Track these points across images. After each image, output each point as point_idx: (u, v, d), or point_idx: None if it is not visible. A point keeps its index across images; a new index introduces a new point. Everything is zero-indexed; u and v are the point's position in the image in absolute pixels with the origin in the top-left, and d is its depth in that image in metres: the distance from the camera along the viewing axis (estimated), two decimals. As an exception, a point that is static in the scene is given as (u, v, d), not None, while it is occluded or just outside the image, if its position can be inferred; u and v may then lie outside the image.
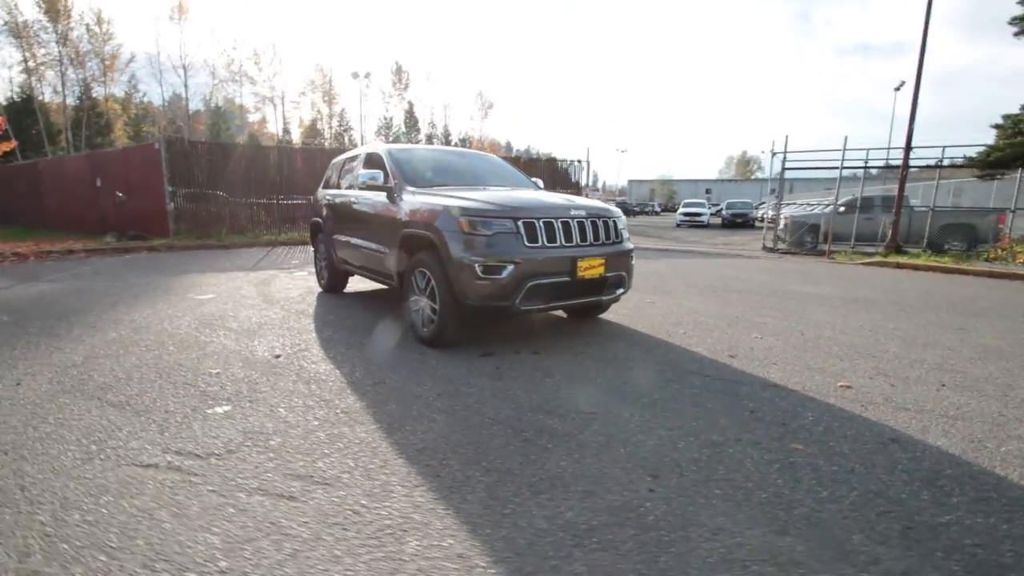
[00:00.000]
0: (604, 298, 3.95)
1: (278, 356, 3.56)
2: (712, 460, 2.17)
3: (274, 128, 55.29)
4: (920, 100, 10.79)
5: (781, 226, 14.84)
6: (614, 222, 3.93)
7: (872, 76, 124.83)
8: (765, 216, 19.66)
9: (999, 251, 9.81)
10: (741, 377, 3.22)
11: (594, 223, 3.75)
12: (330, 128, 57.69)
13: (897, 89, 31.07)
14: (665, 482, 2.00)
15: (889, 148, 13.08)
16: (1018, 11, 9.65)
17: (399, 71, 59.52)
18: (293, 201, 14.83)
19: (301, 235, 13.71)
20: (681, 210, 27.92)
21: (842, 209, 14.06)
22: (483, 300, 3.43)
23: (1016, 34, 9.80)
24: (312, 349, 3.74)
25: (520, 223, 3.46)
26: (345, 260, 5.41)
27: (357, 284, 6.34)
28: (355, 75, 40.30)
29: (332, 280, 5.88)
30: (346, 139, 56.91)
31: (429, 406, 2.72)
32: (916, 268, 9.17)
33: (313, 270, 8.02)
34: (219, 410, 2.65)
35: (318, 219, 6.01)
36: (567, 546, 1.62)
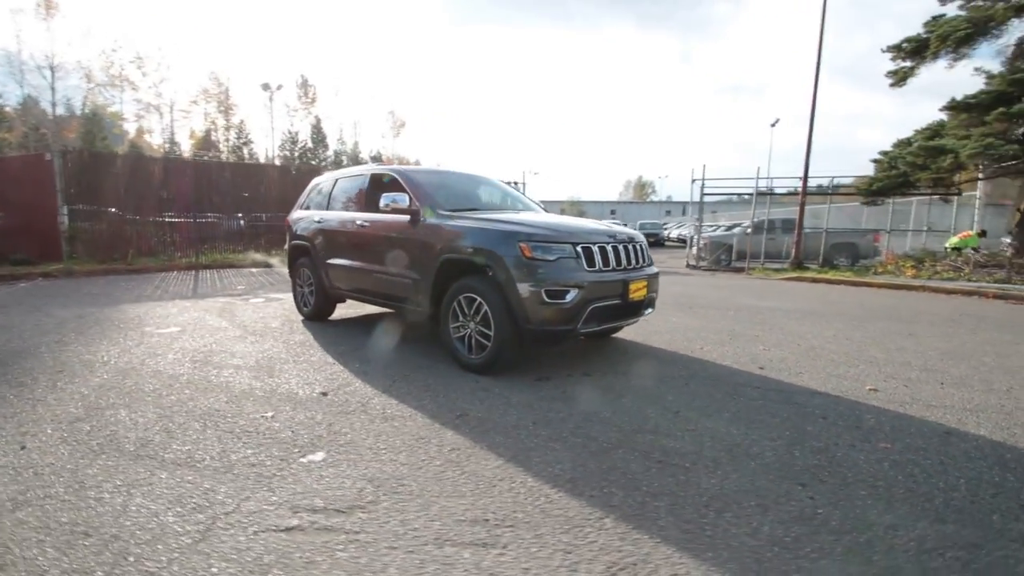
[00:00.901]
0: (640, 318, 4.12)
1: (325, 394, 3.26)
2: (834, 465, 2.38)
3: (160, 138, 50.01)
4: (784, 134, 12.52)
5: (701, 245, 16.38)
6: (644, 246, 4.13)
7: (744, 112, 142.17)
8: (682, 236, 21.46)
9: (887, 266, 11.60)
10: (786, 387, 3.52)
11: (633, 247, 3.93)
12: (227, 141, 53.41)
13: (773, 125, 35.64)
14: (815, 489, 2.15)
15: (788, 177, 14.94)
16: (891, 66, 11.81)
17: (305, 85, 56.92)
18: (207, 220, 13.57)
19: (224, 257, 12.57)
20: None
21: (749, 230, 15.80)
22: (547, 324, 3.43)
23: (892, 84, 11.92)
24: (354, 383, 3.48)
25: (579, 248, 3.53)
26: (342, 287, 5.08)
27: (343, 310, 5.96)
28: (266, 87, 37.86)
29: (319, 307, 5.47)
30: (245, 153, 52.99)
31: (535, 435, 2.66)
32: (829, 282, 10.56)
33: (272, 296, 7.43)
34: (315, 458, 2.38)
35: (302, 243, 5.58)
36: (789, 558, 1.70)
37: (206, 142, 51.34)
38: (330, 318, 5.67)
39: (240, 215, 14.21)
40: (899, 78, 11.79)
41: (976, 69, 12.34)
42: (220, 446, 2.49)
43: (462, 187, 4.85)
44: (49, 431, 2.64)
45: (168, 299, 7.01)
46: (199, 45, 77.79)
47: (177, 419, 2.82)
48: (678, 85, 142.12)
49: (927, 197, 13.66)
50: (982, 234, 12.00)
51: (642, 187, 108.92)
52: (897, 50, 11.47)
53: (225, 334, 4.89)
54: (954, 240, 12.66)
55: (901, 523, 1.91)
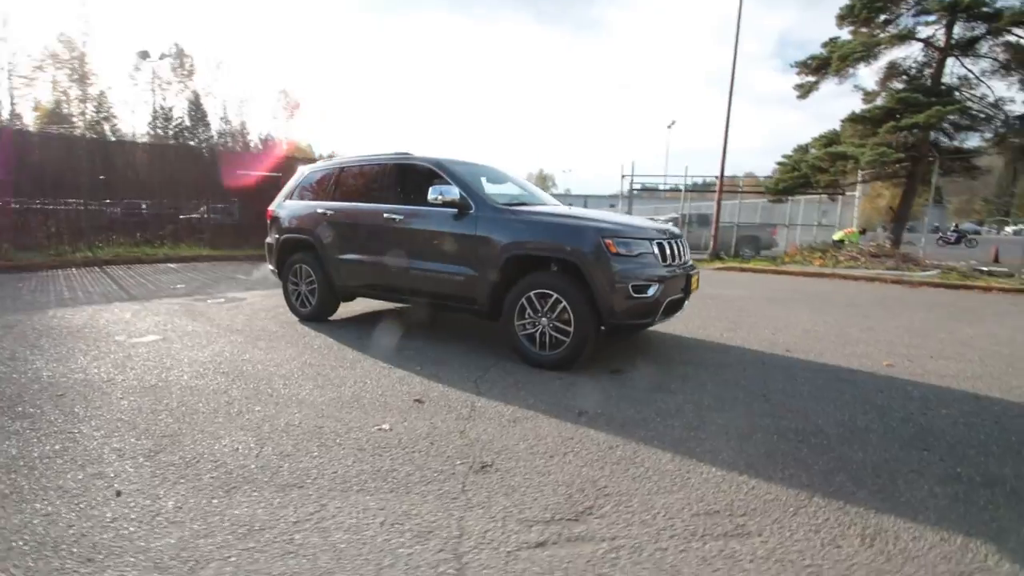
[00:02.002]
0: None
1: (420, 400, 3.04)
2: (928, 431, 2.74)
3: (-12, 108, 41.29)
4: (681, 134, 13.94)
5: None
6: (686, 242, 4.35)
7: (634, 111, 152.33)
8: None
9: (794, 256, 13.28)
10: (824, 367, 3.95)
11: (680, 243, 4.12)
12: (82, 115, 45.70)
13: (669, 127, 38.65)
14: (937, 452, 2.48)
15: (690, 176, 16.42)
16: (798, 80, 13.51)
17: (181, 55, 50.41)
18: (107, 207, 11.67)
19: (128, 251, 10.87)
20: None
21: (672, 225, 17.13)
22: (631, 318, 3.51)
23: (799, 97, 13.62)
24: (436, 387, 3.27)
25: (654, 244, 3.63)
26: (359, 284, 4.71)
27: (344, 309, 5.49)
28: (144, 55, 32.65)
29: (322, 307, 5.01)
30: (107, 128, 45.76)
31: (670, 426, 2.73)
32: (754, 271, 11.84)
33: (230, 295, 6.67)
34: (489, 468, 2.24)
35: (299, 236, 5.05)
36: (968, 510, 1.97)
37: (55, 115, 43.51)
38: (329, 318, 5.22)
39: (109, 202, 12.19)
40: (804, 91, 13.56)
41: (855, 87, 14.55)
42: (366, 464, 2.24)
43: (495, 179, 4.72)
44: (130, 468, 2.18)
45: (102, 302, 5.95)
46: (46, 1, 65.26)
47: (280, 440, 2.47)
48: (575, 82, 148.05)
49: (816, 197, 15.87)
50: (863, 231, 14.22)
51: (543, 180, 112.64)
52: (803, 66, 13.17)
53: (225, 341, 4.30)
54: (839, 234, 14.83)
55: (1018, 472, 2.29)
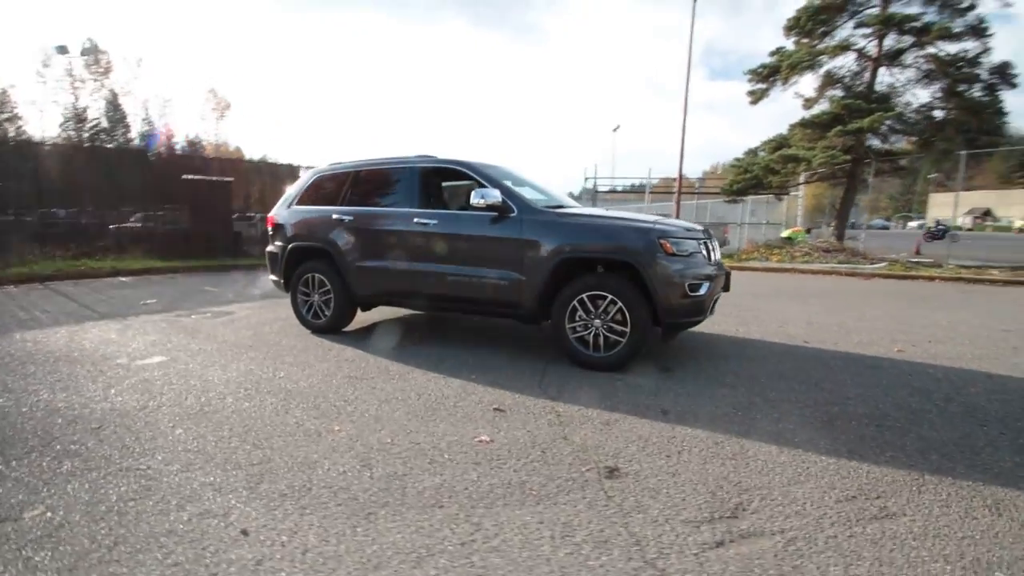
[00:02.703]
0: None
1: (500, 409, 2.96)
2: (970, 409, 2.99)
3: None
4: (625, 138, 14.62)
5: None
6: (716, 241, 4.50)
7: (575, 115, 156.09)
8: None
9: (751, 253, 14.07)
10: (848, 355, 4.21)
11: (714, 243, 4.26)
12: (-23, 114, 41.01)
13: (614, 131, 39.87)
14: (990, 427, 2.71)
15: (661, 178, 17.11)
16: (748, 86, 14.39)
17: (96, 50, 46.31)
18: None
19: (72, 265, 9.84)
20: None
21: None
22: (686, 317, 3.59)
23: (751, 103, 14.49)
24: (509, 397, 3.20)
25: (700, 243, 3.74)
26: (383, 291, 4.52)
27: (360, 318, 5.23)
28: (62, 49, 29.52)
29: (339, 317, 4.76)
30: (11, 129, 41.26)
31: (755, 420, 2.81)
32: (719, 267, 12.45)
33: (214, 309, 6.24)
34: (618, 472, 2.22)
35: (311, 245, 4.78)
36: (1070, 480, 2.18)
37: (-57, 114, 38.85)
38: (346, 328, 4.97)
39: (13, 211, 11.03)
40: (756, 97, 14.47)
41: (795, 94, 15.68)
42: (493, 478, 2.16)
43: (517, 182, 4.68)
44: (238, 503, 1.98)
45: (71, 322, 5.35)
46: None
47: (384, 459, 2.33)
48: (516, 86, 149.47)
49: (763, 197, 16.97)
50: (808, 230, 15.35)
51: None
52: (754, 74, 14.05)
53: (246, 359, 3.99)
54: (787, 232, 15.91)
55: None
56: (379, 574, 1.58)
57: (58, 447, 2.44)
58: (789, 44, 13.84)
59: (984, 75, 12.54)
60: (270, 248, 5.20)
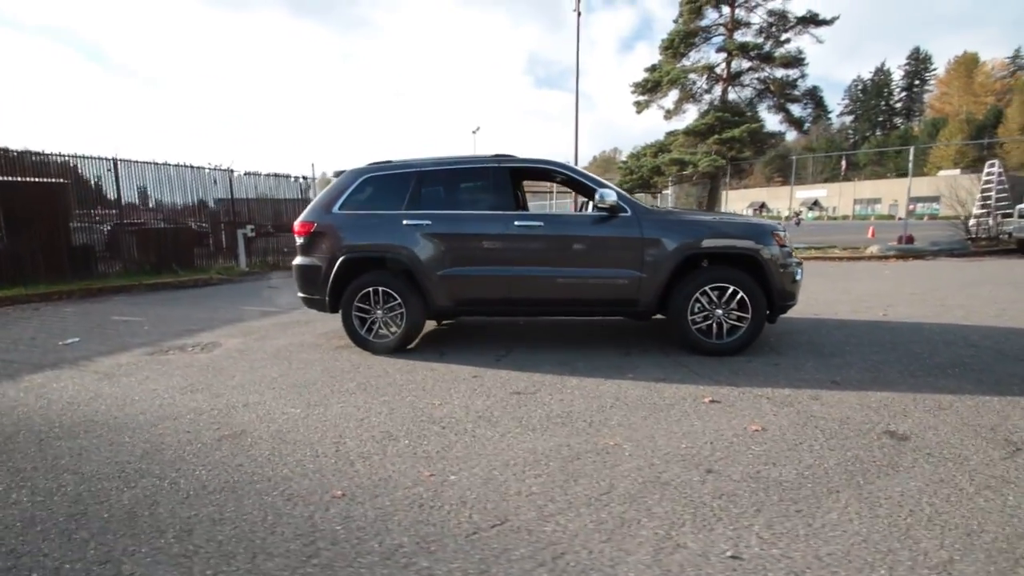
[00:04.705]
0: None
1: (714, 401, 3.04)
2: (1014, 351, 3.98)
3: None
4: (487, 136, 15.78)
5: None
6: None
7: (411, 113, 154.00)
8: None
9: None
10: (869, 323, 5.15)
11: None
12: None
13: (474, 132, 40.65)
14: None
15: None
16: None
17: None
18: None
19: None
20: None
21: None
22: (790, 300, 4.04)
23: (637, 112, 16.15)
24: (716, 391, 3.29)
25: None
26: (478, 298, 4.16)
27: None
28: None
29: (410, 333, 4.25)
30: None
31: (912, 384, 3.37)
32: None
33: (198, 340, 5.11)
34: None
35: (374, 254, 4.17)
36: None
37: None
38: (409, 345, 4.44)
39: None
40: (640, 108, 16.23)
41: (658, 106, 17.97)
42: (812, 458, 2.29)
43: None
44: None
45: (47, 367, 3.86)
46: None
47: (717, 458, 2.28)
48: (343, 81, 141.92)
49: (641, 196, 19.13)
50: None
51: (326, 183, 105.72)
52: (638, 87, 15.75)
53: (340, 399, 3.39)
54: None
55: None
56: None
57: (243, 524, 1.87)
58: (661, 61, 15.92)
59: (799, 95, 15.90)
60: (303, 261, 4.37)
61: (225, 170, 12.60)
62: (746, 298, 3.87)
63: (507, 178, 4.19)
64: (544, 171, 4.26)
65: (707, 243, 3.94)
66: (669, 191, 19.63)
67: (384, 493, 2.10)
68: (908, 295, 6.73)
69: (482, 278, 4.10)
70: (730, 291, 3.89)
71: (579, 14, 15.11)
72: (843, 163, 59.40)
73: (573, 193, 5.46)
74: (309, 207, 4.45)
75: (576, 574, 1.61)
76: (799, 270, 4.11)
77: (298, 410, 3.07)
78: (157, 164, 11.24)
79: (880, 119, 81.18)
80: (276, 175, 13.96)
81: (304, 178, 14.80)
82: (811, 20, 14.07)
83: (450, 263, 4.11)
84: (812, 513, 1.90)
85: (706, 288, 3.90)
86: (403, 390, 3.39)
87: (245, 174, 13.13)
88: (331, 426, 2.82)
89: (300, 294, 4.50)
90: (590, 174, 4.19)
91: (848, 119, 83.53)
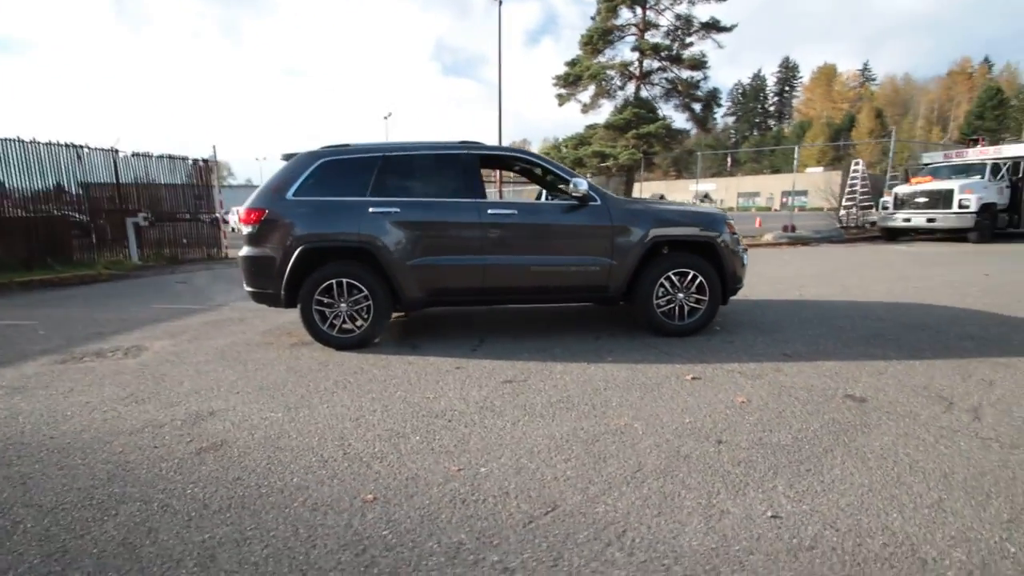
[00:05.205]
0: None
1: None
2: (893, 315, 4.67)
3: None
4: (400, 122, 15.90)
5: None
6: None
7: (305, 94, 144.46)
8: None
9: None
10: (787, 303, 5.76)
11: None
12: None
13: (386, 118, 39.23)
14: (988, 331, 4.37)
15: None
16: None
17: None
18: None
19: None
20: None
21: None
22: (740, 283, 4.40)
23: (559, 105, 16.45)
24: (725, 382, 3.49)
25: (729, 222, 4.60)
26: (447, 287, 4.05)
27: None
28: None
29: (377, 326, 4.04)
30: None
31: (860, 352, 3.84)
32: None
33: (109, 346, 4.52)
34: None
35: (338, 243, 3.89)
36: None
37: None
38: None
39: None
40: (562, 101, 16.60)
41: (576, 100, 18.56)
42: (800, 423, 2.56)
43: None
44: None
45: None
46: None
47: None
48: (230, 61, 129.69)
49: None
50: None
51: (195, 170, 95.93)
52: (562, 80, 16.10)
53: (331, 399, 3.18)
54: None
55: (943, 327, 4.35)
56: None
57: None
58: (582, 56, 16.44)
59: (702, 96, 17.23)
60: (253, 251, 3.97)
61: (108, 150, 11.00)
62: (704, 282, 4.17)
63: (476, 166, 4.12)
64: (513, 159, 4.24)
65: (671, 231, 4.17)
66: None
67: (418, 492, 2.01)
68: (811, 277, 7.63)
69: (455, 267, 4.01)
70: (690, 275, 4.16)
71: (500, 2, 15.10)
72: (728, 160, 65.43)
73: (529, 182, 5.55)
74: (257, 192, 4.04)
75: (646, 548, 1.67)
76: (745, 256, 4.51)
77: (278, 414, 2.82)
78: (6, 140, 9.36)
79: (757, 120, 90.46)
80: (171, 157, 12.45)
81: (204, 161, 13.35)
82: (713, 26, 15.39)
83: (421, 252, 3.96)
84: (819, 471, 2.13)
85: (669, 273, 4.14)
86: (387, 385, 3.24)
87: (133, 155, 11.56)
88: (326, 428, 2.62)
89: (248, 288, 4.09)
90: (561, 165, 4.25)
91: (731, 120, 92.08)
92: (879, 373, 3.29)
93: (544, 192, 5.49)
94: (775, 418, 2.64)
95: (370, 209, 3.92)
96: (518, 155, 4.23)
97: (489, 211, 4.00)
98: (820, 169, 46.38)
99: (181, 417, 2.80)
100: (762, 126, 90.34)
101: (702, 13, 16.37)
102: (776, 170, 60.08)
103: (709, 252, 4.22)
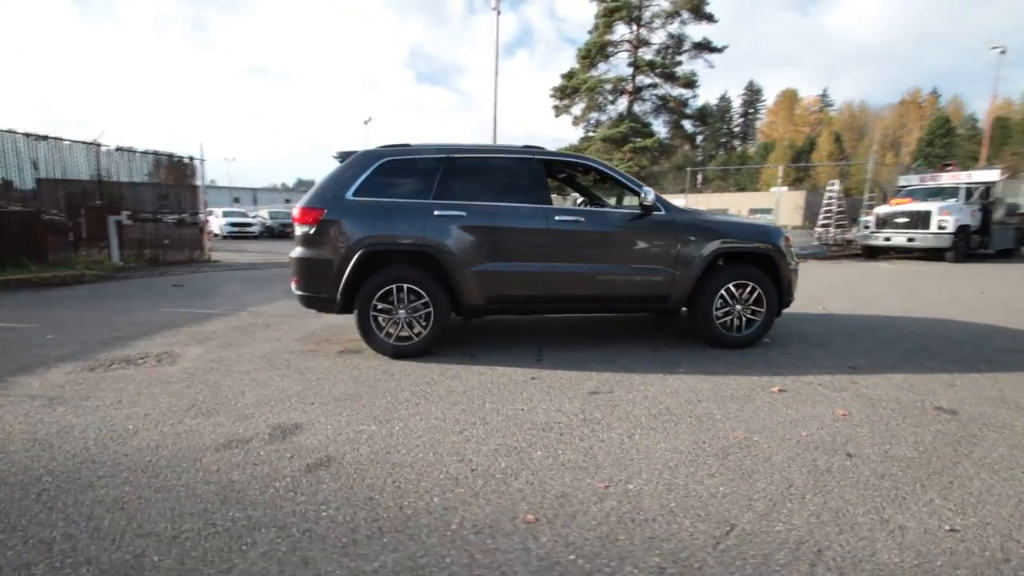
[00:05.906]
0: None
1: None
2: (981, 336, 4.83)
3: None
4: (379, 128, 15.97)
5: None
6: None
7: (277, 96, 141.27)
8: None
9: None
10: (861, 317, 5.87)
11: None
12: None
13: (366, 123, 38.60)
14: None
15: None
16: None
17: None
18: None
19: None
20: (227, 220, 24.34)
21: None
22: (792, 295, 4.45)
23: (555, 116, 16.55)
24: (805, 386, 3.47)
25: (782, 236, 4.66)
26: (510, 295, 3.93)
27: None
28: None
29: (437, 334, 3.88)
30: None
31: (894, 366, 3.92)
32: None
33: (133, 353, 4.20)
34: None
35: (401, 247, 3.72)
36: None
37: None
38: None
39: None
40: (559, 112, 16.73)
41: (567, 112, 18.76)
42: (920, 434, 2.57)
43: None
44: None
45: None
46: None
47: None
48: (197, 61, 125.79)
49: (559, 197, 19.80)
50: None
51: (180, 168, 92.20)
52: (560, 92, 16.24)
53: (419, 411, 3.02)
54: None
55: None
56: None
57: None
58: (578, 69, 16.67)
59: (691, 113, 17.71)
60: (308, 253, 3.76)
61: (91, 143, 10.36)
62: (762, 294, 4.20)
63: (542, 171, 4.04)
64: (579, 166, 4.18)
65: (736, 244, 4.19)
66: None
67: (578, 512, 1.89)
68: (825, 291, 7.84)
69: (519, 274, 3.90)
70: (749, 287, 4.18)
71: (498, 12, 15.16)
72: (700, 177, 67.56)
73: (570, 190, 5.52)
74: (312, 192, 3.84)
75: (852, 566, 1.60)
76: (798, 269, 4.57)
77: (372, 427, 2.64)
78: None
79: (723, 140, 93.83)
80: (156, 153, 11.86)
81: (191, 159, 12.77)
82: (705, 46, 15.93)
83: (487, 258, 3.84)
84: (963, 484, 2.12)
85: (730, 285, 4.15)
86: (470, 397, 3.09)
87: (117, 150, 10.93)
88: (434, 443, 2.46)
89: (299, 292, 3.86)
90: (627, 174, 4.22)
91: (699, 138, 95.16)
92: (950, 386, 3.36)
93: (578, 198, 5.48)
94: (885, 431, 2.64)
95: (435, 212, 3.78)
96: (587, 163, 4.18)
97: (556, 217, 3.92)
98: (784, 188, 48.35)
99: (265, 431, 2.58)
100: (727, 146, 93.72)
101: (695, 33, 17.03)
102: (741, 188, 62.35)
103: (767, 264, 4.25)
